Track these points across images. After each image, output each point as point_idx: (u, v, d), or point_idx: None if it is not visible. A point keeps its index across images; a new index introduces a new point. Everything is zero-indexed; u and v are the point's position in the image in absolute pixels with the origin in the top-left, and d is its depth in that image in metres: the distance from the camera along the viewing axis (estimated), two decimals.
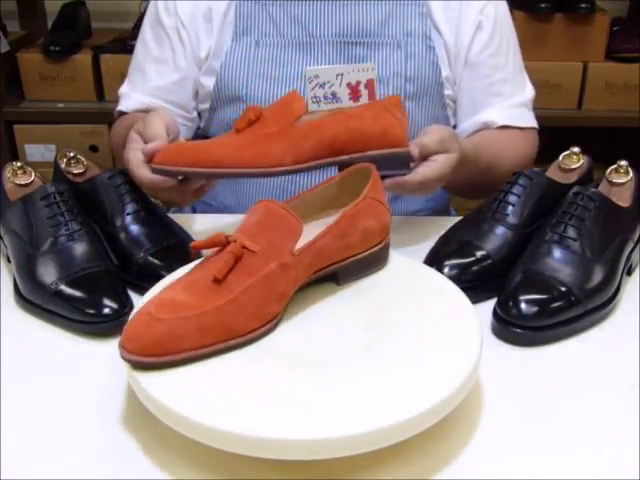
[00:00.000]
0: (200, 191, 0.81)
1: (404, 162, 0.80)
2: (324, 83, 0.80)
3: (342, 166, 0.77)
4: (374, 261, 0.71)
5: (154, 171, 0.76)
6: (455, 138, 0.84)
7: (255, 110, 0.76)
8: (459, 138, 0.87)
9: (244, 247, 0.60)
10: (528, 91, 1.08)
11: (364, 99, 0.82)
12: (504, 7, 1.06)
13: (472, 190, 1.02)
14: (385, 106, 0.80)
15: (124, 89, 1.08)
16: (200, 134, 1.10)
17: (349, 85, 0.81)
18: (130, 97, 1.06)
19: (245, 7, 1.01)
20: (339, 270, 0.68)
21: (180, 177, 0.78)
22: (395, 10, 1.00)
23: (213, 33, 1.01)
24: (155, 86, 1.04)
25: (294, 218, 0.62)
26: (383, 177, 0.76)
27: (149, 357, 0.56)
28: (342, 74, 0.81)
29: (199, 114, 1.08)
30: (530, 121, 1.06)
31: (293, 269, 0.62)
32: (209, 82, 1.02)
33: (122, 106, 1.06)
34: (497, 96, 1.04)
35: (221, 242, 0.61)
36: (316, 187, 0.72)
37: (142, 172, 0.77)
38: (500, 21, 1.04)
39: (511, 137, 1.03)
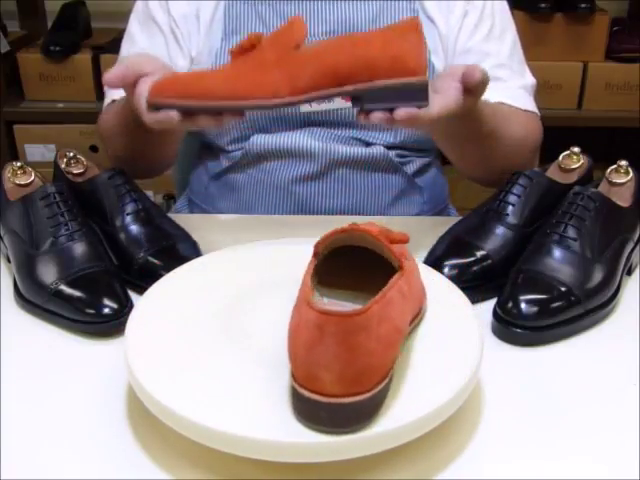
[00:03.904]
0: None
1: (420, 93, 0.69)
2: None
3: (353, 98, 0.70)
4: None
5: (150, 107, 0.71)
6: None
7: (252, 37, 0.70)
8: None
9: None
10: (527, 78, 1.04)
11: (338, 100, 0.79)
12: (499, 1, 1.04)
13: (469, 157, 0.95)
14: (400, 31, 0.69)
15: None
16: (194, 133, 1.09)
17: None
18: (117, 89, 1.02)
19: (234, 7, 1.00)
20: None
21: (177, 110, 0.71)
22: (385, 7, 1.00)
23: (201, 33, 1.01)
24: None
25: None
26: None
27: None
28: None
29: None
30: (529, 105, 1.01)
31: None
32: None
33: (114, 96, 1.00)
34: (493, 80, 0.96)
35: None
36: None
37: (147, 116, 0.73)
38: (492, 9, 1.02)
39: (514, 112, 0.98)
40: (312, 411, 0.50)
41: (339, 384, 0.49)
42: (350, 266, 0.60)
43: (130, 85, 0.75)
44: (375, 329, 0.49)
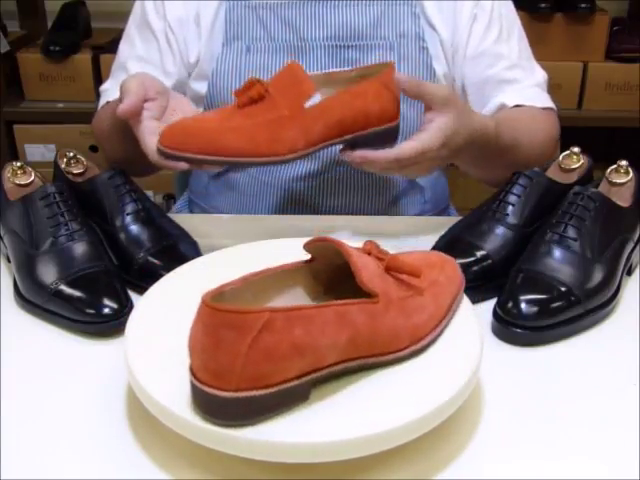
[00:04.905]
0: None
1: (394, 136, 0.80)
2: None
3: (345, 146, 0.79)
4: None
5: (162, 155, 0.72)
6: (455, 102, 0.81)
7: (259, 87, 0.73)
8: (478, 113, 0.87)
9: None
10: (538, 74, 1.05)
11: None
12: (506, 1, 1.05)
13: (495, 171, 0.97)
14: (384, 82, 0.79)
15: (106, 85, 1.06)
16: None
17: None
18: (114, 91, 1.01)
19: (235, 11, 1.00)
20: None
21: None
22: (387, 10, 0.99)
23: (202, 38, 1.00)
24: None
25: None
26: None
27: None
28: None
29: None
30: (546, 101, 1.02)
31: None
32: (200, 87, 1.01)
33: (108, 98, 1.02)
34: (507, 83, 1.01)
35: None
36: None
37: (154, 158, 0.74)
38: (499, 11, 1.02)
39: (531, 114, 0.99)
40: (192, 391, 0.52)
41: (204, 372, 0.50)
42: None
43: (137, 114, 0.76)
44: (254, 335, 0.48)
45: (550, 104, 1.03)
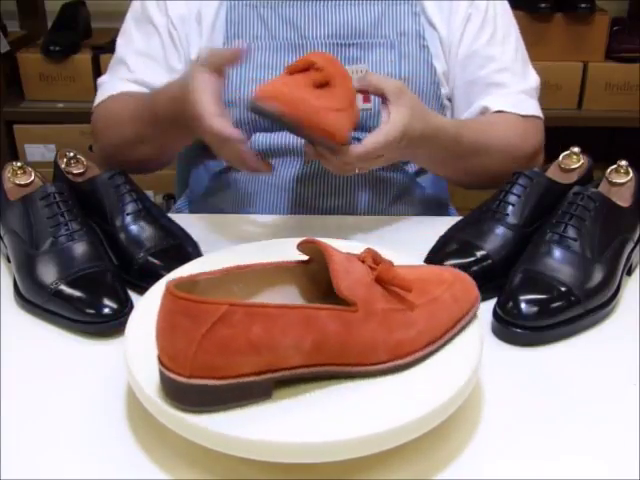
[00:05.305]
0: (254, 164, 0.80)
1: None
2: None
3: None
4: None
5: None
6: (406, 96, 0.82)
7: (330, 70, 0.75)
8: (436, 114, 0.88)
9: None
10: (531, 79, 1.04)
11: (359, 101, 0.82)
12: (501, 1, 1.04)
13: (461, 174, 0.98)
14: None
15: (104, 78, 1.06)
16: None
17: None
18: (114, 83, 1.03)
19: (236, 10, 1.00)
20: None
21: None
22: (387, 10, 1.00)
23: (203, 36, 1.01)
24: (143, 80, 1.02)
25: None
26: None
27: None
28: None
29: None
30: (531, 109, 1.01)
31: None
32: None
33: (107, 90, 1.02)
34: (495, 86, 1.01)
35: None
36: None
37: (215, 121, 0.74)
38: (494, 12, 1.02)
39: (507, 120, 0.98)
40: (159, 374, 0.53)
41: (164, 356, 0.52)
42: None
43: (217, 70, 0.79)
44: (209, 325, 0.49)
45: (535, 112, 1.02)
